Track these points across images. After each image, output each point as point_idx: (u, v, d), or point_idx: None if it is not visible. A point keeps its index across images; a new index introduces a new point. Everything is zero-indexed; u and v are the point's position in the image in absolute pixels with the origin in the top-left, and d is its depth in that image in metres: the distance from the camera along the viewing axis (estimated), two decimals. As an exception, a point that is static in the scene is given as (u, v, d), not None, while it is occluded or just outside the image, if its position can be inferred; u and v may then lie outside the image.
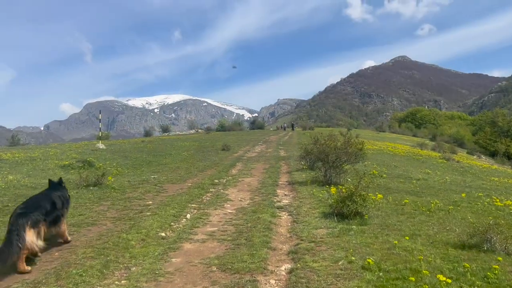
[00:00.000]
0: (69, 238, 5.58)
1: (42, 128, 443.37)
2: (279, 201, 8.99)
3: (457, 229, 6.59)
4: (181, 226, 6.80)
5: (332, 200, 7.51)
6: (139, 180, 11.63)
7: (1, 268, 4.37)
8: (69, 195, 5.91)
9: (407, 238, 5.74)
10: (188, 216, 7.49)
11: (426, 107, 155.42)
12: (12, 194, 9.04)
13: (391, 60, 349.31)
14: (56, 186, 5.71)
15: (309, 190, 10.06)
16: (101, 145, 23.32)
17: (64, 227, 5.44)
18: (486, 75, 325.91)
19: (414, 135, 71.81)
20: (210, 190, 10.41)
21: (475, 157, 44.19)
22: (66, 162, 14.53)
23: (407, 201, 8.80)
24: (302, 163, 14.41)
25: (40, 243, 4.78)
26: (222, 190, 10.38)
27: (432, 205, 8.42)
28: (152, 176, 12.54)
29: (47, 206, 5.03)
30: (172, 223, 6.90)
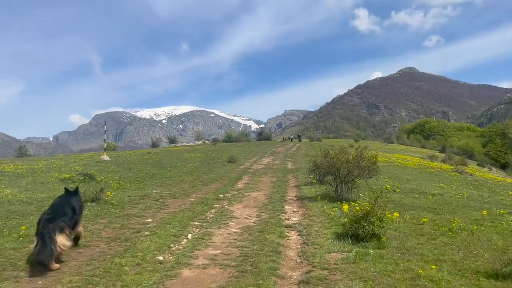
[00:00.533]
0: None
1: (51, 139, 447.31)
2: (288, 219, 8.40)
3: (485, 254, 5.95)
4: (181, 248, 6.23)
5: (346, 220, 6.91)
6: (140, 195, 11.11)
7: (38, 265, 4.87)
8: (82, 202, 6.57)
9: (433, 266, 5.11)
10: (190, 236, 6.93)
11: (435, 118, 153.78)
12: (5, 210, 8.59)
13: (398, 71, 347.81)
14: (73, 193, 6.27)
15: (319, 206, 9.46)
16: (105, 157, 22.98)
17: (81, 228, 6.13)
18: (495, 86, 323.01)
19: (422, 147, 70.81)
20: (215, 206, 9.86)
21: (486, 169, 43.10)
22: (67, 175, 14.12)
23: (425, 219, 8.15)
24: (311, 176, 13.81)
25: (68, 243, 5.42)
26: (227, 206, 9.82)
27: (454, 224, 7.75)
28: (155, 191, 12.03)
29: (69, 212, 5.62)
30: (171, 245, 6.35)
